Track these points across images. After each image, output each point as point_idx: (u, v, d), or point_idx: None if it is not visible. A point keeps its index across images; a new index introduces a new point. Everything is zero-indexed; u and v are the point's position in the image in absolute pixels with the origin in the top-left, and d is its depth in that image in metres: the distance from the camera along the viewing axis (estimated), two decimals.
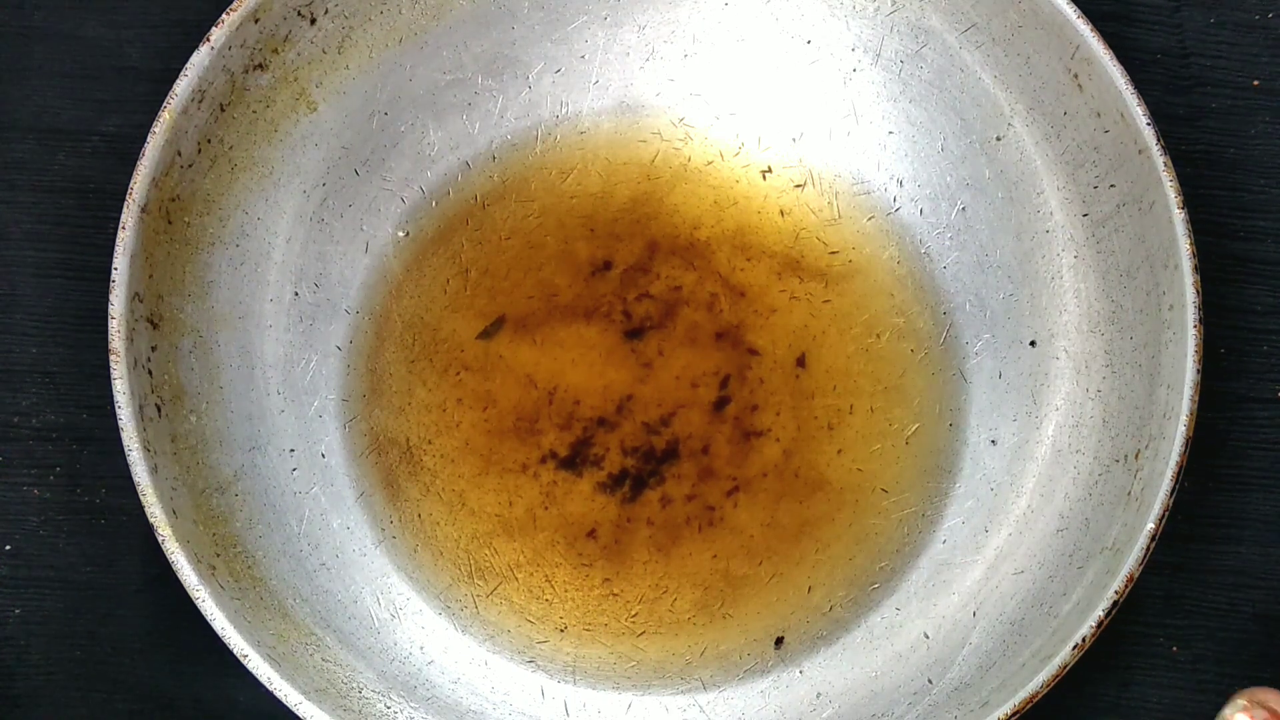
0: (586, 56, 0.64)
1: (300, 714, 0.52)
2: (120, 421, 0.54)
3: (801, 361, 0.62)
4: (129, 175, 0.56)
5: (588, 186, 0.64)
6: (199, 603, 0.53)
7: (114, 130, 0.64)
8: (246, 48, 0.58)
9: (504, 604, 0.60)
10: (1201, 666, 0.60)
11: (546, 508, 0.61)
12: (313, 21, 0.60)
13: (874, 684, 0.58)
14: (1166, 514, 0.53)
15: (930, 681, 0.57)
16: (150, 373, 0.56)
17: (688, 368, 0.62)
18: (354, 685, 0.55)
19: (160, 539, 0.53)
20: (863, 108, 0.63)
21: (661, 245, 0.63)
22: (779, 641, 0.59)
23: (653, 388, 0.62)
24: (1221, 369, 0.63)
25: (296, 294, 0.61)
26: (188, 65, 0.57)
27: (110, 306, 0.55)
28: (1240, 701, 0.55)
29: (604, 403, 0.61)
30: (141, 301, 0.56)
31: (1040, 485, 0.59)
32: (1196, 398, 0.54)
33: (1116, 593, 0.53)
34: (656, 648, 0.59)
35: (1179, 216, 0.56)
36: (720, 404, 0.62)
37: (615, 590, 0.60)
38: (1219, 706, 0.59)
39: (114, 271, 0.55)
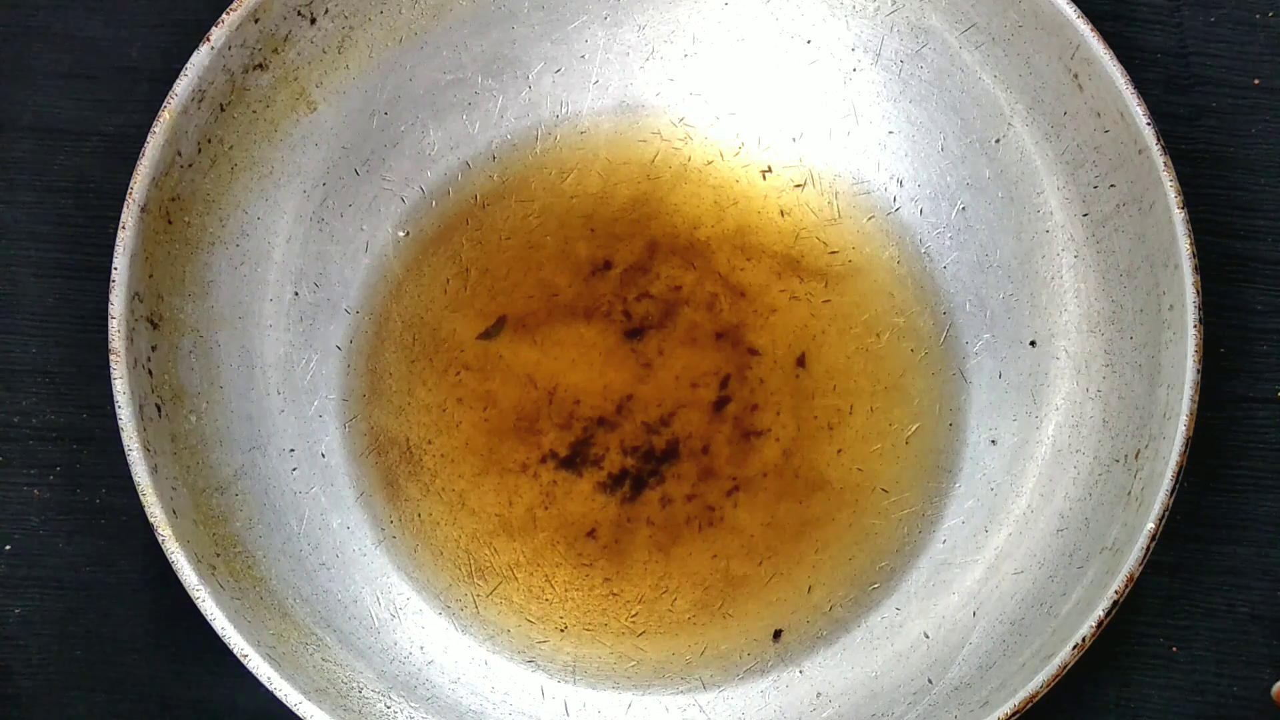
0: (586, 56, 0.64)
1: (300, 714, 0.52)
2: (120, 421, 0.54)
3: (801, 361, 0.62)
4: (129, 175, 0.56)
5: (588, 186, 0.64)
6: (199, 603, 0.53)
7: (114, 130, 0.64)
8: (246, 48, 0.58)
9: (504, 604, 0.60)
10: (1201, 666, 0.60)
11: (546, 507, 0.61)
12: (313, 21, 0.60)
13: (874, 684, 0.58)
14: (1166, 514, 0.53)
15: (930, 681, 0.57)
16: (150, 373, 0.56)
17: (688, 368, 0.62)
18: (354, 685, 0.55)
19: (160, 539, 0.53)
20: (863, 108, 0.63)
21: (661, 245, 0.63)
22: (777, 634, 0.59)
23: (653, 388, 0.62)
24: (1221, 369, 0.63)
25: (296, 294, 0.61)
26: (188, 65, 0.57)
27: (110, 306, 0.55)
28: None
29: (604, 403, 0.61)
30: (141, 301, 0.56)
31: (1040, 485, 0.59)
32: (1196, 397, 0.54)
33: (1116, 593, 0.53)
34: (656, 648, 0.59)
35: (1179, 216, 0.56)
36: (720, 404, 0.62)
37: (615, 590, 0.60)
38: (1218, 707, 0.59)
39: (114, 271, 0.55)
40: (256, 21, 0.58)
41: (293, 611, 0.56)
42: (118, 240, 0.55)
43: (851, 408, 0.62)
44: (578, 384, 0.62)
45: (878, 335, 0.62)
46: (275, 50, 0.59)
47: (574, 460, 0.61)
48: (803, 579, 0.60)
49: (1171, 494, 0.53)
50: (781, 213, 0.64)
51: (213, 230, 0.59)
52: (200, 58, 0.57)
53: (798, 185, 0.64)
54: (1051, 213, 0.60)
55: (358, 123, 0.62)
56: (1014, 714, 0.52)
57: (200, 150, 0.58)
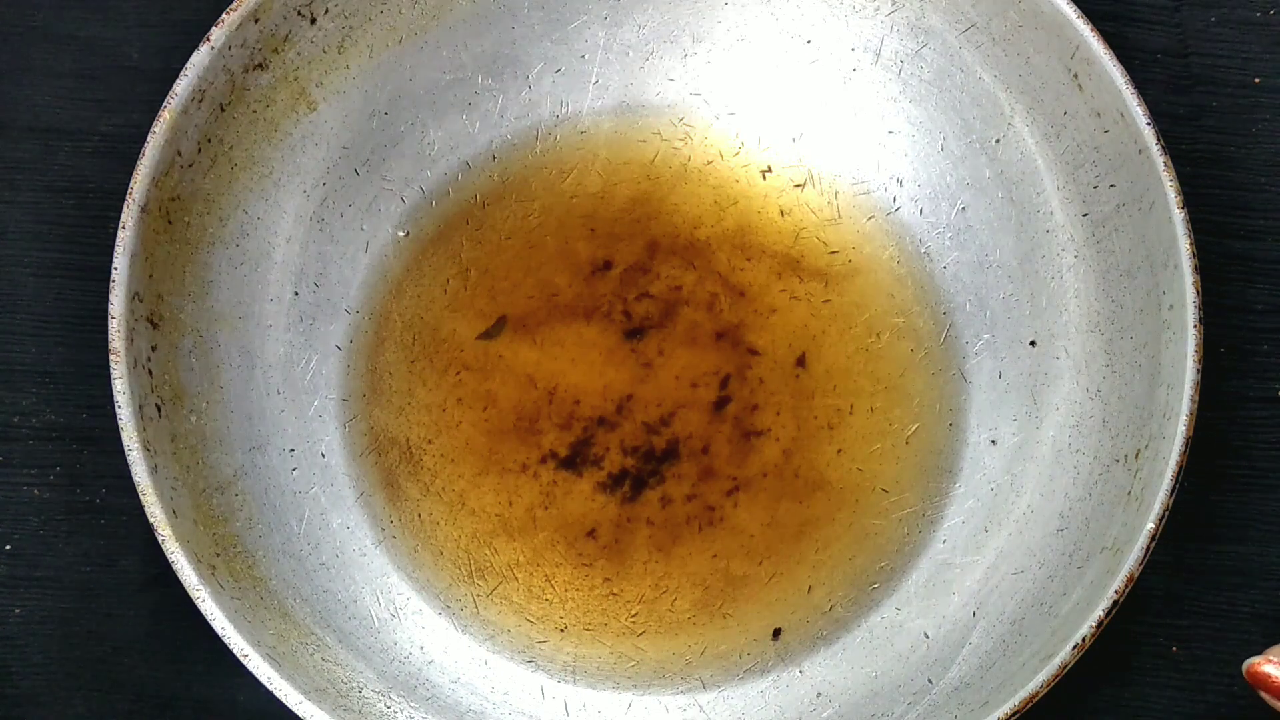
0: (586, 56, 0.64)
1: (300, 714, 0.52)
2: (120, 421, 0.54)
3: (801, 361, 0.62)
4: (129, 175, 0.56)
5: (588, 186, 0.64)
6: (199, 603, 0.53)
7: (114, 130, 0.64)
8: (246, 48, 0.58)
9: (504, 604, 0.60)
10: (1201, 666, 0.60)
11: (546, 507, 0.61)
12: (313, 21, 0.60)
13: (874, 684, 0.58)
14: (1166, 514, 0.53)
15: (930, 681, 0.57)
16: (150, 373, 0.56)
17: (688, 368, 0.62)
18: (354, 685, 0.55)
19: (160, 539, 0.53)
20: (863, 108, 0.63)
21: (661, 245, 0.63)
22: (777, 633, 0.59)
23: (653, 387, 0.62)
24: (1222, 368, 0.63)
25: (296, 294, 0.61)
26: (188, 65, 0.57)
27: (110, 306, 0.55)
28: (1276, 651, 0.54)
29: (604, 403, 0.61)
30: (141, 301, 0.56)
31: (1040, 485, 0.59)
32: (1196, 397, 0.54)
33: (1116, 592, 0.53)
34: (656, 648, 0.59)
35: (1179, 216, 0.56)
36: (720, 404, 0.62)
37: (615, 590, 0.60)
38: (1218, 707, 0.59)
39: (114, 271, 0.55)
40: (256, 21, 0.58)
41: (293, 611, 0.56)
42: (118, 240, 0.55)
43: (851, 408, 0.62)
44: (578, 384, 0.62)
45: (878, 335, 0.62)
46: (275, 50, 0.59)
47: (574, 460, 0.61)
48: (803, 579, 0.60)
49: (1171, 494, 0.53)
50: (781, 213, 0.64)
51: (213, 230, 0.59)
52: (200, 58, 0.57)
53: (798, 185, 0.64)
54: (1051, 213, 0.60)
55: (358, 123, 0.62)
56: (1014, 714, 0.52)
57: (200, 150, 0.58)
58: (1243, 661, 0.59)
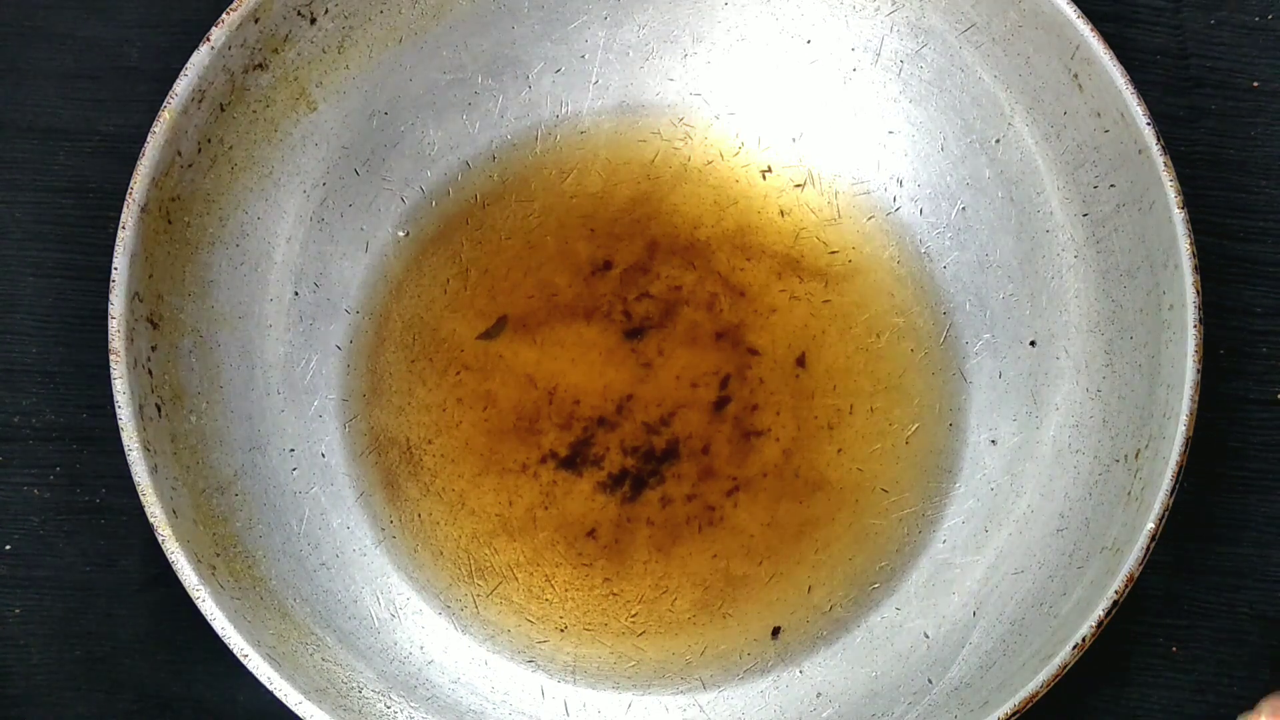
0: (586, 56, 0.64)
1: (300, 714, 0.52)
2: (120, 421, 0.54)
3: (801, 361, 0.62)
4: (129, 175, 0.56)
5: (588, 186, 0.64)
6: (199, 603, 0.53)
7: (114, 130, 0.64)
8: (246, 48, 0.58)
9: (504, 604, 0.60)
10: (1201, 666, 0.60)
11: (546, 507, 0.61)
12: (313, 21, 0.60)
13: (874, 684, 0.58)
14: (1166, 514, 0.53)
15: (930, 681, 0.57)
16: (150, 373, 0.56)
17: (688, 367, 0.62)
18: (354, 685, 0.55)
19: (160, 539, 0.53)
20: (863, 108, 0.63)
21: (661, 245, 0.63)
22: (777, 633, 0.59)
23: (653, 387, 0.62)
24: (1221, 369, 0.63)
25: (296, 294, 0.61)
26: (188, 65, 0.57)
27: (110, 306, 0.55)
28: (1267, 707, 0.55)
29: (604, 403, 0.61)
30: (141, 301, 0.56)
31: (1040, 485, 0.59)
32: (1196, 398, 0.54)
33: (1116, 592, 0.53)
34: (656, 648, 0.59)
35: (1179, 216, 0.56)
36: (720, 404, 0.62)
37: (615, 590, 0.60)
38: (1218, 707, 0.59)
39: (114, 271, 0.55)
40: (256, 21, 0.58)
41: (293, 611, 0.56)
42: (118, 240, 0.55)
43: (851, 408, 0.62)
44: (578, 384, 0.62)
45: (878, 335, 0.62)
46: (275, 50, 0.59)
47: (574, 460, 0.61)
48: (803, 579, 0.60)
49: (1171, 494, 0.53)
50: (781, 213, 0.64)
51: (213, 230, 0.59)
52: (200, 58, 0.57)
53: (798, 185, 0.64)
54: (1051, 213, 0.60)
55: (358, 123, 0.62)
56: (1014, 714, 0.52)
57: (200, 150, 0.58)
58: (1246, 668, 0.59)
